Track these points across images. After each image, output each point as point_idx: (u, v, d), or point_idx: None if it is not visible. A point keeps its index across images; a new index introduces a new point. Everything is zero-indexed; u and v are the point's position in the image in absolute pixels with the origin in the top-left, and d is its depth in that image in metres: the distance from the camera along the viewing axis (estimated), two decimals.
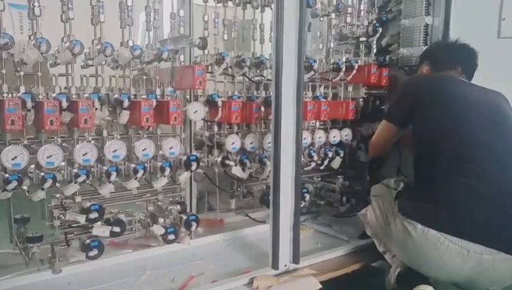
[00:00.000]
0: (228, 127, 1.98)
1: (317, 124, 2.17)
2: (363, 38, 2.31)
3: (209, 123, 1.94)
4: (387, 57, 2.33)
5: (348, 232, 2.18)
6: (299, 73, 1.64)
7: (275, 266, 1.68)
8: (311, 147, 2.13)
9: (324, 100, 2.12)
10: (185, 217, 1.77)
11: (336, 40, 2.44)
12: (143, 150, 1.60)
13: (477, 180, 1.46)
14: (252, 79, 2.04)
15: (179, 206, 1.76)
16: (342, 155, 2.22)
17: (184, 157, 1.72)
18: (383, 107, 2.34)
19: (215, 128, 1.94)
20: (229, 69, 1.97)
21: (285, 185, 1.67)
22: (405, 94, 1.78)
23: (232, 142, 1.87)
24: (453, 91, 1.62)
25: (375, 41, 2.30)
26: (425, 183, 1.59)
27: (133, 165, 1.63)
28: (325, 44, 2.40)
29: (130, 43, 1.62)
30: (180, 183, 1.79)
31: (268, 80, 2.06)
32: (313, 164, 2.13)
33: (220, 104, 1.80)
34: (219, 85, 2.03)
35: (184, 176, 1.73)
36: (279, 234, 1.67)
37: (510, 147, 1.53)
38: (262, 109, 1.98)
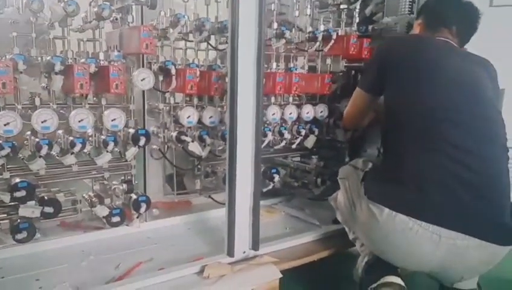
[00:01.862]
0: (188, 99, 1.79)
1: (291, 98, 1.98)
2: (344, 6, 2.10)
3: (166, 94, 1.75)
4: (370, 27, 2.13)
5: (321, 217, 2.01)
6: (260, 36, 1.43)
7: (230, 253, 1.52)
8: (283, 124, 1.95)
9: (296, 72, 1.92)
10: (133, 198, 1.59)
11: (316, 7, 2.24)
12: (79, 122, 1.41)
13: (448, 159, 1.28)
14: (216, 46, 1.83)
15: (125, 186, 1.59)
16: (316, 133, 2.04)
17: (132, 131, 1.54)
18: None
19: (172, 100, 1.75)
20: (190, 35, 1.77)
21: (243, 162, 1.49)
22: (376, 58, 1.61)
23: (188, 116, 1.68)
24: (426, 55, 1.42)
25: (357, 9, 2.09)
26: (392, 161, 1.42)
27: (70, 138, 1.45)
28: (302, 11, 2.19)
29: None
30: (126, 160, 1.61)
31: None
32: (284, 142, 1.95)
33: (173, 72, 1.60)
34: (180, 53, 1.84)
35: (131, 152, 1.55)
36: (235, 218, 1.50)
37: (486, 124, 1.35)
38: (227, 80, 1.79)
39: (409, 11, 1.95)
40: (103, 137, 1.51)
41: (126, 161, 1.62)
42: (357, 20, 2.09)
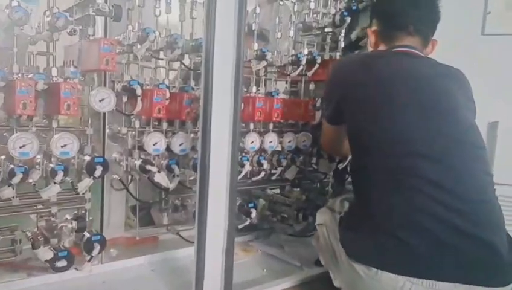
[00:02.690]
0: (157, 123, 1.59)
1: (271, 126, 1.81)
2: (329, 29, 1.98)
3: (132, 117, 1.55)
4: (356, 52, 2.01)
5: (303, 256, 1.82)
6: (238, 56, 1.28)
7: None
8: (262, 154, 1.78)
9: (278, 97, 1.76)
10: (86, 237, 1.36)
11: (299, 30, 2.11)
12: (20, 147, 1.19)
13: (427, 199, 1.12)
14: (189, 66, 1.66)
15: (75, 223, 1.36)
16: (298, 164, 1.87)
17: (87, 159, 1.33)
18: None
19: (137, 124, 1.54)
20: (160, 53, 1.59)
21: (216, 195, 1.30)
22: (329, 90, 1.49)
23: (155, 143, 1.48)
24: (383, 80, 1.26)
25: (343, 33, 1.97)
26: (364, 205, 1.25)
27: (11, 166, 1.22)
28: (284, 33, 2.06)
29: (14, 4, 1.21)
30: (79, 193, 1.38)
31: None
32: (263, 173, 1.77)
33: (139, 92, 1.41)
34: (148, 72, 1.65)
35: (84, 184, 1.33)
36: (205, 260, 1.29)
37: (466, 152, 1.18)
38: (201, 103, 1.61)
39: None
40: (52, 165, 1.28)
41: (76, 193, 1.39)
42: (342, 44, 1.97)
